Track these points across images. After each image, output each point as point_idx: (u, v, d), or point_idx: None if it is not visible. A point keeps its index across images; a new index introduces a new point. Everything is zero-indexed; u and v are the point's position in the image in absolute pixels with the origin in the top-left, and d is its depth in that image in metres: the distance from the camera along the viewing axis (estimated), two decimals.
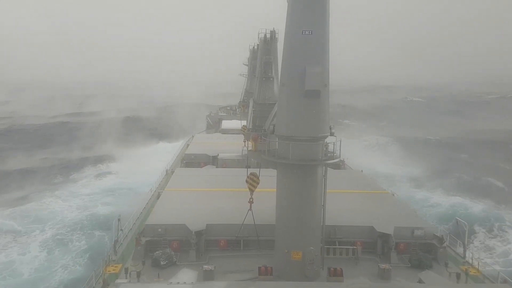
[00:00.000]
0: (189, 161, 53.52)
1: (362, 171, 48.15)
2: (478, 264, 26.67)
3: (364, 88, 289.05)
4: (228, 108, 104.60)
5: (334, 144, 23.46)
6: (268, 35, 45.70)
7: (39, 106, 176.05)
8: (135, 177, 66.37)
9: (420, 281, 23.73)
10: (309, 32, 21.61)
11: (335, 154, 23.56)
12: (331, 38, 22.15)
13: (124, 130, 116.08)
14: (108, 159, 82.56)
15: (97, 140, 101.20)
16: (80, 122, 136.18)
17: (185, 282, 20.79)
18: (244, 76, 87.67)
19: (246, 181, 26.44)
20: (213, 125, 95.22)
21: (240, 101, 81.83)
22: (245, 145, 43.15)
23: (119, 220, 29.12)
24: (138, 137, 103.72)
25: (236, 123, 76.68)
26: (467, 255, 28.12)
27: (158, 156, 78.27)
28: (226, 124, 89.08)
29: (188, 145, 67.84)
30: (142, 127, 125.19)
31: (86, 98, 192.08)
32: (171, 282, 21.12)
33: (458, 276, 24.39)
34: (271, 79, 43.94)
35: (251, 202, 26.26)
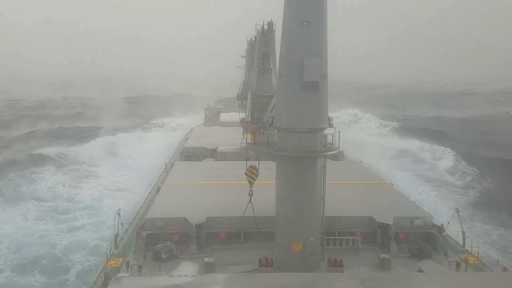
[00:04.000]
0: (188, 154, 53.51)
1: (361, 161, 48.24)
2: (478, 252, 26.79)
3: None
4: (226, 101, 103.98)
5: (333, 136, 23.47)
6: (265, 27, 45.39)
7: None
8: None
9: (420, 270, 23.88)
10: (306, 23, 21.52)
11: (334, 146, 23.56)
12: (329, 30, 22.09)
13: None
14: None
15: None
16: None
17: (186, 275, 20.83)
18: (242, 68, 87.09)
19: (246, 174, 26.47)
20: (212, 118, 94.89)
21: (238, 94, 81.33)
22: (244, 137, 43.10)
23: (119, 214, 29.14)
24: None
25: (234, 116, 76.43)
26: (466, 243, 28.28)
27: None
28: (225, 116, 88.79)
29: (187, 138, 67.78)
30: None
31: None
32: (172, 275, 21.16)
33: (458, 264, 24.53)
34: (269, 71, 43.69)
35: (250, 194, 26.32)
